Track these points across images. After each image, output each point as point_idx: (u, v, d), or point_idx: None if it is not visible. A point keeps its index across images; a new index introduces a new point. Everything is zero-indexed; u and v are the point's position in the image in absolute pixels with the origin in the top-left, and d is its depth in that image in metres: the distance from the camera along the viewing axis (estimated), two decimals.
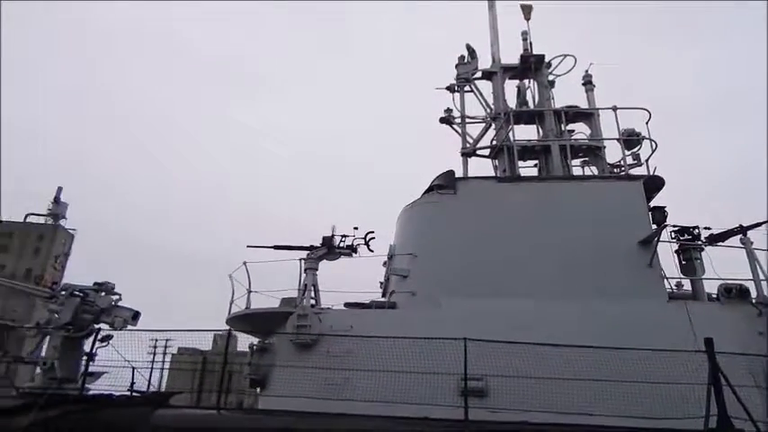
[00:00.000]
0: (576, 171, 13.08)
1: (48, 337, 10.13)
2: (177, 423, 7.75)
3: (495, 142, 13.48)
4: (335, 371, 9.51)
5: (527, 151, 13.27)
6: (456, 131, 13.66)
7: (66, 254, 69.67)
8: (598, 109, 13.26)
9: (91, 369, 10.07)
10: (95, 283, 10.53)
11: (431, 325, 9.70)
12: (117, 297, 10.57)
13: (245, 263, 11.44)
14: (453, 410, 8.32)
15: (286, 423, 8.09)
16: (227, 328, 11.19)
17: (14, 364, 12.97)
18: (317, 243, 11.86)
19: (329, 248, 11.76)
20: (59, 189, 72.89)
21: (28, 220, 69.30)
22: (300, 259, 11.61)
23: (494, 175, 13.38)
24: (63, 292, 10.31)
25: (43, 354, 10.18)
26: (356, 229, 11.86)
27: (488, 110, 13.99)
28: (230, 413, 8.74)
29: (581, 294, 10.15)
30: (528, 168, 13.51)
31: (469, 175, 12.77)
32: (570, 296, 10.12)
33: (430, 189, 12.43)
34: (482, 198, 11.83)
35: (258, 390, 11.09)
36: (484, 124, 13.85)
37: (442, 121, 13.82)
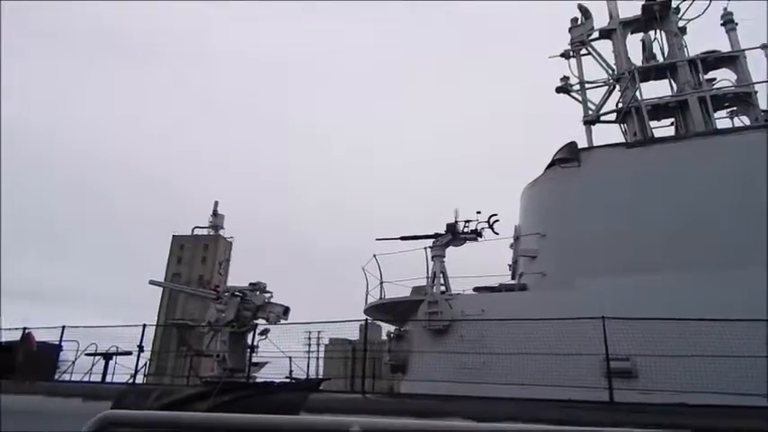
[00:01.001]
0: (722, 124, 11.58)
1: (218, 333, 11.69)
2: (327, 405, 8.52)
3: (620, 105, 12.48)
4: (471, 354, 9.66)
5: (659, 110, 12.06)
6: (575, 99, 12.91)
7: (227, 259, 78.83)
8: (744, 50, 11.57)
9: (255, 360, 11.44)
10: (250, 284, 11.88)
11: (565, 305, 9.38)
12: (269, 295, 11.83)
13: (374, 255, 12.07)
14: (598, 392, 8.00)
15: (428, 407, 8.41)
16: (365, 318, 11.92)
17: (197, 358, 15.04)
18: (442, 231, 12.08)
19: (454, 235, 11.90)
20: (216, 203, 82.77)
21: (195, 232, 79.74)
22: (426, 248, 11.93)
23: (622, 141, 12.39)
24: (226, 294, 11.81)
25: (217, 347, 11.77)
26: (479, 213, 11.85)
27: (610, 71, 12.96)
28: (374, 396, 9.36)
29: (733, 264, 9.03)
30: (662, 129, 12.29)
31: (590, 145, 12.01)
32: (720, 266, 9.06)
33: (552, 164, 11.92)
34: (610, 167, 11.04)
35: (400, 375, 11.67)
36: (606, 87, 12.88)
37: (559, 90, 13.13)
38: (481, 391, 8.54)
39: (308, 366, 13.79)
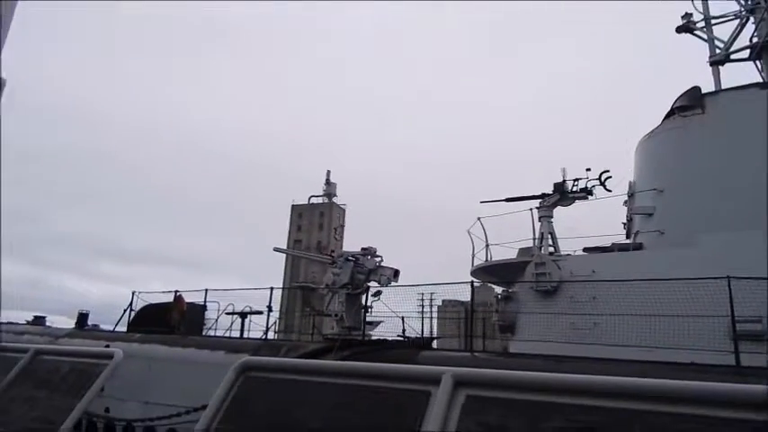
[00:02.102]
0: None
1: (336, 295, 12.68)
2: (437, 362, 9.01)
3: (756, 39, 11.04)
4: (582, 316, 9.53)
5: None
6: (700, 38, 11.65)
7: (341, 225, 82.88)
8: None
9: (369, 319, 12.29)
10: (362, 249, 12.66)
11: (685, 264, 8.85)
12: (379, 259, 12.53)
13: (479, 218, 12.17)
14: (722, 356, 7.58)
15: (537, 366, 8.55)
16: (472, 280, 12.17)
17: (318, 317, 16.39)
18: (549, 190, 11.80)
19: (562, 194, 11.59)
20: (328, 172, 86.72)
21: (311, 201, 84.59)
22: (532, 208, 11.76)
23: (757, 81, 11.00)
24: (341, 258, 12.71)
25: (335, 308, 12.79)
26: (588, 170, 11.38)
27: (743, 2, 11.45)
28: (482, 355, 9.68)
29: None
30: None
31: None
32: None
33: (670, 113, 10.99)
34: (741, 112, 9.93)
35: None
36: (738, 21, 11.43)
37: (680, 29, 11.91)
38: (593, 353, 8.46)
39: (422, 326, 14.44)
